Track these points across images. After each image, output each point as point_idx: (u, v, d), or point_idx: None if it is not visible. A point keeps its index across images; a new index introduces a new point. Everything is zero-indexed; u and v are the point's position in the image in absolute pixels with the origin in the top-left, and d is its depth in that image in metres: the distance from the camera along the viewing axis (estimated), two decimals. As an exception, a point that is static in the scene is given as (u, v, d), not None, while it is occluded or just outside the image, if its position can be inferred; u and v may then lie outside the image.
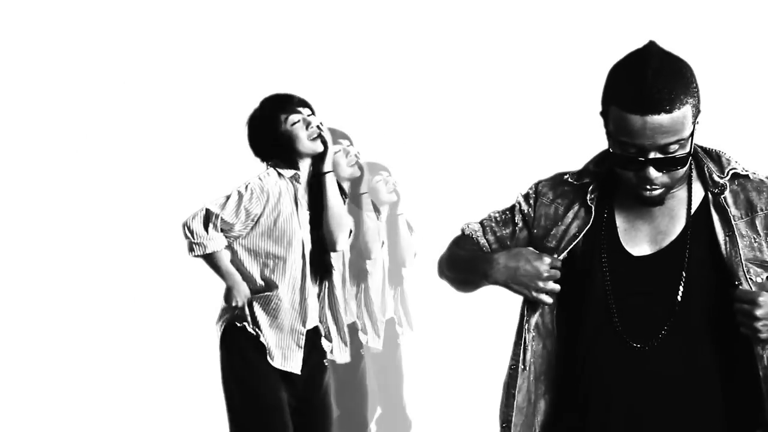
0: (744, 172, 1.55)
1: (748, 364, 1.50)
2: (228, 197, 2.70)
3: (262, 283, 2.72)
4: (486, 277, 1.62)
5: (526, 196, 1.70)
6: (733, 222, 1.50)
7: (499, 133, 7.57)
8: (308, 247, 2.75)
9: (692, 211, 1.53)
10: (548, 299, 1.56)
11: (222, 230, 2.70)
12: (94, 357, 5.41)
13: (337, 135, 3.41)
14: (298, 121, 2.74)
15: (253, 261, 2.75)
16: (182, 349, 5.44)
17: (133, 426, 4.39)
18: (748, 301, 1.43)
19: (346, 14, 7.95)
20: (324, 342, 2.83)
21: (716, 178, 1.53)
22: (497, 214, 1.74)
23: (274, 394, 2.70)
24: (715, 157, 1.58)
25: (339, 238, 2.78)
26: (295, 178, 2.75)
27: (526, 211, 1.68)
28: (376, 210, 3.59)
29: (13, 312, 6.03)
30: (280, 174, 2.75)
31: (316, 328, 2.80)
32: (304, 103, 2.81)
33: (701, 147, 1.57)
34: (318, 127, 2.75)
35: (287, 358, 2.70)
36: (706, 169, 1.55)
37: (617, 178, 1.56)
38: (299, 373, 2.71)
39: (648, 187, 1.48)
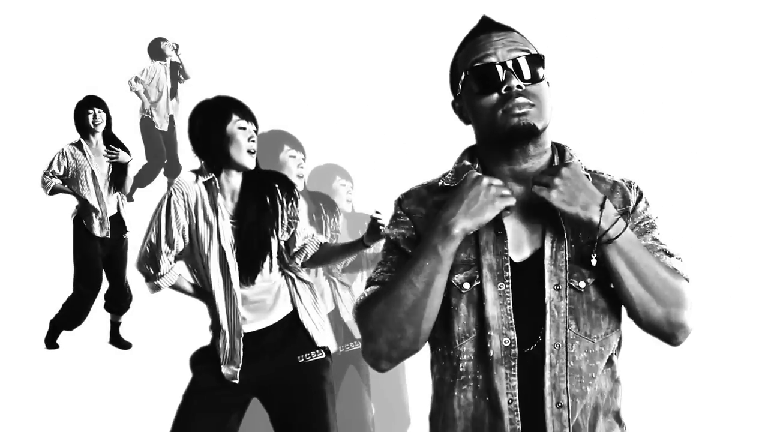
0: (590, 168, 1.55)
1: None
2: (158, 223, 2.65)
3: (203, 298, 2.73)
4: (448, 234, 1.43)
5: (398, 223, 1.60)
6: (561, 222, 1.48)
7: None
8: (231, 257, 2.65)
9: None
10: (512, 200, 1.46)
11: (170, 259, 2.69)
12: (88, 360, 5.42)
13: (294, 143, 3.42)
14: (245, 128, 2.68)
15: (190, 273, 2.74)
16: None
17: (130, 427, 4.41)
18: (553, 172, 1.45)
19: (320, 20, 7.97)
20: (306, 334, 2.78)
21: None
22: (382, 266, 1.58)
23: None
24: (561, 150, 1.58)
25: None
26: (209, 184, 2.67)
27: (407, 236, 1.56)
28: (335, 212, 3.57)
29: (11, 314, 6.05)
30: (196, 178, 2.68)
31: (277, 328, 2.74)
32: (255, 123, 2.75)
33: (553, 142, 1.58)
34: (379, 223, 2.76)
35: (225, 369, 2.68)
36: (552, 162, 1.55)
37: (484, 163, 1.53)
38: (237, 382, 2.67)
39: (516, 103, 1.46)
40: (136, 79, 7.22)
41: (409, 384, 4.19)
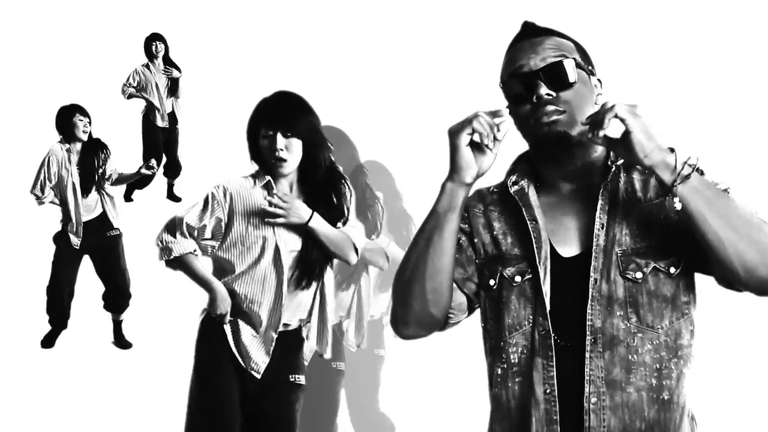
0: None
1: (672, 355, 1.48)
2: (196, 203, 2.75)
3: (239, 288, 2.74)
4: (441, 191, 1.51)
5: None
6: (621, 211, 1.49)
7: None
8: (286, 253, 2.72)
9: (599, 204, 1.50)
10: (502, 115, 1.47)
11: (192, 236, 2.73)
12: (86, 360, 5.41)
13: (335, 135, 3.40)
14: (269, 135, 2.72)
15: (229, 264, 2.75)
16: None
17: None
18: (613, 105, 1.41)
19: (343, 15, 7.95)
20: (307, 346, 2.82)
21: (609, 164, 1.54)
22: None
23: (228, 388, 2.71)
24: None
25: (349, 257, 2.78)
26: (267, 186, 2.74)
27: (464, 227, 1.61)
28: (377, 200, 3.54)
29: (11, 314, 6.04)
30: (255, 181, 2.76)
31: (292, 335, 2.79)
32: (285, 127, 2.73)
33: (607, 137, 1.57)
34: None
35: (251, 359, 2.71)
36: (605, 157, 1.56)
37: (536, 166, 1.57)
38: (259, 376, 2.71)
39: (545, 111, 1.48)
40: (125, 86, 7.22)
41: (391, 394, 4.16)
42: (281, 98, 2.79)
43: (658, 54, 7.02)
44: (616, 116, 1.40)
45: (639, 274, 1.47)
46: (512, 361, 1.52)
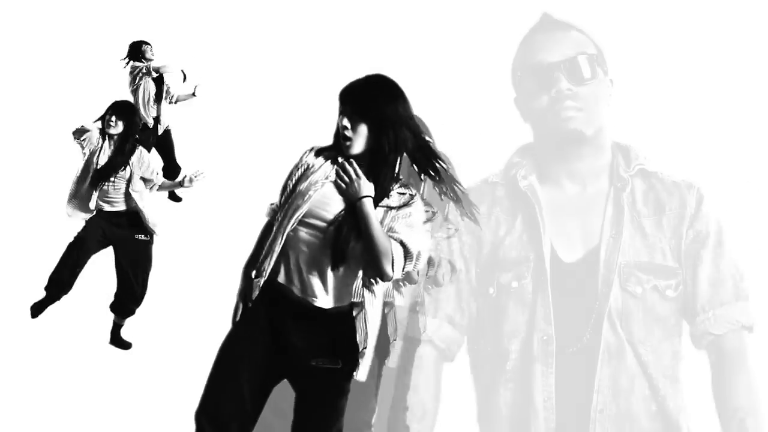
0: (653, 170, 1.54)
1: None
2: None
3: None
4: None
5: None
6: (626, 221, 1.49)
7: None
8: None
9: (608, 209, 1.51)
10: None
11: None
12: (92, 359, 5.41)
13: None
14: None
15: None
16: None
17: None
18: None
19: (347, 14, 7.95)
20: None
21: (621, 173, 1.53)
22: None
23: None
24: (625, 151, 1.58)
25: (384, 267, 2.35)
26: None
27: (465, 254, 1.57)
28: None
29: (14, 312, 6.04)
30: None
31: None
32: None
33: (615, 142, 1.57)
34: None
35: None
36: (615, 163, 1.55)
37: (541, 161, 1.55)
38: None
39: (564, 106, 1.46)
40: (138, 73, 7.21)
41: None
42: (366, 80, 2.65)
43: (661, 54, 7.02)
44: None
45: (639, 289, 1.46)
46: (506, 368, 1.51)
